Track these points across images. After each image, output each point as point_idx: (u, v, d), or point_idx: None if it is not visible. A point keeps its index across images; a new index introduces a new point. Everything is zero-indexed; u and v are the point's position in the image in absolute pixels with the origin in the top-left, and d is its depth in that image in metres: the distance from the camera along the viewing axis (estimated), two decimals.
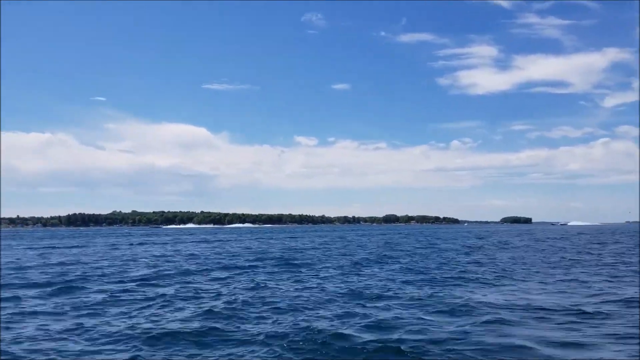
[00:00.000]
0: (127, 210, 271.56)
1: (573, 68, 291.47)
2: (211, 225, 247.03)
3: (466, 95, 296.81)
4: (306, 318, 11.84)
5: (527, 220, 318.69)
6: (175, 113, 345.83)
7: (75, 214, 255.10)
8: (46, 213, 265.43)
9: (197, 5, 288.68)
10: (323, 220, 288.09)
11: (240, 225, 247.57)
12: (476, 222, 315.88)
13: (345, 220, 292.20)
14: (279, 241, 58.94)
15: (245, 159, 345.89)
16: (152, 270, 24.08)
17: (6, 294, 16.08)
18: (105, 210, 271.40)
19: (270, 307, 13.37)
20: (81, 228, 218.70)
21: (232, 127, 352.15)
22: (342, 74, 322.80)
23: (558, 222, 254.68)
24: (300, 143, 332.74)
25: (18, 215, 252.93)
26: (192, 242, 60.58)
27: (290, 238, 70.94)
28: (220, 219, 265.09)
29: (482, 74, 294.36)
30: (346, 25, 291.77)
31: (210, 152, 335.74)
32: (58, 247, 48.46)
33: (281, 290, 16.44)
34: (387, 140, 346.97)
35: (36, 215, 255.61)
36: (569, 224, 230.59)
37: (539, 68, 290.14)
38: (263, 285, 17.72)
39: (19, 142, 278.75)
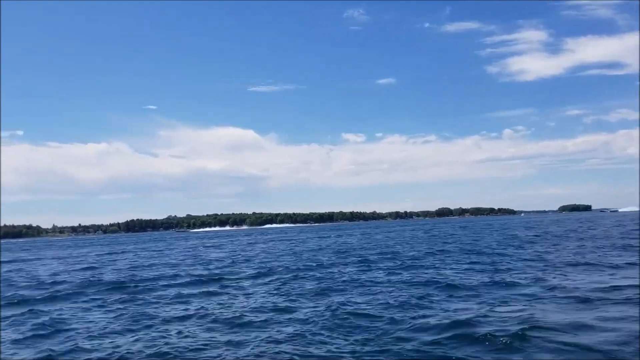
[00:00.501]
0: (181, 214, 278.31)
1: (627, 48, 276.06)
2: (272, 225, 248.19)
3: (516, 82, 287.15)
4: None
5: (587, 208, 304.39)
6: (223, 117, 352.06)
7: (133, 220, 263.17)
8: (105, 220, 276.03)
9: (238, 6, 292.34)
10: (374, 216, 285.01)
11: (291, 225, 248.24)
12: (533, 211, 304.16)
13: (397, 215, 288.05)
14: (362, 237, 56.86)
15: (294, 158, 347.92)
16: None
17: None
18: (160, 215, 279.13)
19: None
20: (139, 233, 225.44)
21: (280, 127, 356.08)
22: (387, 68, 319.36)
23: (608, 209, 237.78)
24: (348, 140, 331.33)
25: (80, 224, 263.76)
26: (292, 239, 60.75)
27: (363, 234, 69.02)
28: (271, 219, 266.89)
29: (532, 60, 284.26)
30: (389, 19, 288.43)
31: (259, 154, 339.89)
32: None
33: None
34: (437, 133, 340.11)
35: (96, 223, 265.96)
36: (620, 210, 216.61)
37: (591, 50, 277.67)
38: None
39: (77, 153, 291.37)
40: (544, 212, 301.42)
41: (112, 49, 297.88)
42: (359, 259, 25.84)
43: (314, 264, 23.90)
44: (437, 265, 20.34)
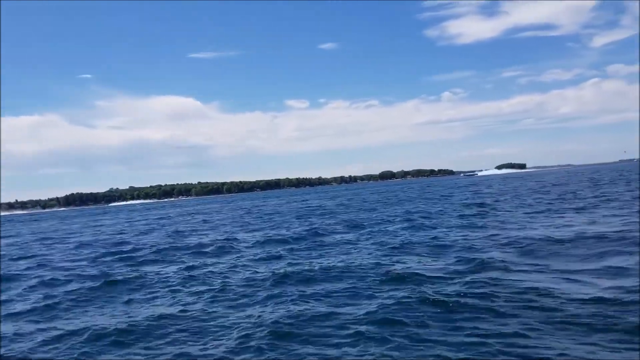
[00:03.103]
0: (124, 186, 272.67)
1: (560, 9, 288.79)
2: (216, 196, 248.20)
3: (455, 46, 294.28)
4: None
5: (522, 166, 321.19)
6: (163, 85, 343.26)
7: (73, 194, 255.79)
8: (43, 195, 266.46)
9: None
10: (320, 182, 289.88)
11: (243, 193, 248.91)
12: (470, 171, 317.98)
13: (342, 180, 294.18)
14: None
15: (239, 126, 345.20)
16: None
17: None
18: (102, 188, 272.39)
19: None
20: (83, 207, 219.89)
21: (222, 95, 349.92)
22: (329, 33, 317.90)
23: (475, 172, 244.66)
24: (292, 107, 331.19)
25: (16, 200, 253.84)
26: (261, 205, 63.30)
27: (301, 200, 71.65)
28: (218, 188, 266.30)
29: (469, 23, 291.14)
30: None
31: (203, 122, 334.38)
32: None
33: None
34: (379, 97, 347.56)
35: (34, 198, 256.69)
36: (478, 173, 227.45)
37: (526, 12, 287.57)
38: None
39: (9, 126, 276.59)
40: (481, 171, 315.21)
41: (43, 15, 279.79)
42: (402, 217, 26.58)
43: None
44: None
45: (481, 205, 30.73)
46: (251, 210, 52.84)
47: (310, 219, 30.92)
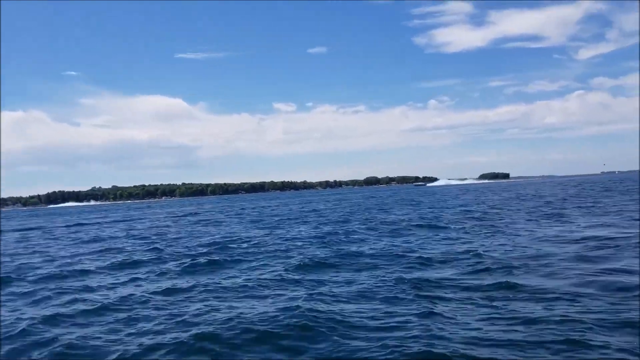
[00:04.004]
0: (107, 185, 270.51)
1: (548, 21, 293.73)
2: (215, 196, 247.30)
3: (442, 54, 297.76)
4: None
5: (505, 176, 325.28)
6: (149, 85, 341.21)
7: (55, 192, 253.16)
8: (24, 193, 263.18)
9: None
10: (305, 185, 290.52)
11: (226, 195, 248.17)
12: (453, 179, 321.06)
13: (327, 184, 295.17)
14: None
15: (225, 128, 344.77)
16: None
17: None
18: (85, 187, 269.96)
19: None
20: (63, 204, 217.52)
21: (210, 96, 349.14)
22: (318, 37, 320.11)
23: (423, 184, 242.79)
24: (279, 110, 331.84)
25: None
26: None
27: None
28: (202, 190, 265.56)
29: (458, 31, 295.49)
30: None
31: (189, 123, 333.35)
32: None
33: None
34: (366, 103, 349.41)
35: (14, 195, 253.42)
36: (428, 184, 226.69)
37: (513, 22, 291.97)
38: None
39: None
40: (464, 179, 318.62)
41: (29, 11, 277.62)
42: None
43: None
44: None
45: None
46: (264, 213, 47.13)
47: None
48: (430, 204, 47.35)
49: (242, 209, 61.78)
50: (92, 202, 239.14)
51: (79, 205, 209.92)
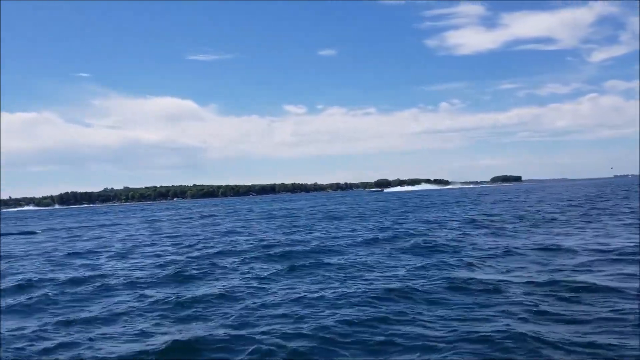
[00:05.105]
0: (118, 186, 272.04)
1: (560, 23, 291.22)
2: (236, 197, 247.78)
3: (454, 56, 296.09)
4: None
5: (517, 179, 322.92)
6: (160, 86, 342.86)
7: (67, 193, 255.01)
8: (36, 193, 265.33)
9: None
10: (315, 187, 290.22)
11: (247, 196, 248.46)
12: (466, 182, 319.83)
13: (337, 187, 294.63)
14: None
15: (234, 130, 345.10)
16: None
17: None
18: (96, 188, 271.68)
19: None
20: (74, 205, 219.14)
21: (219, 98, 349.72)
22: (328, 40, 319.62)
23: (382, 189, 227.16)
24: (289, 112, 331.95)
25: (10, 197, 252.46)
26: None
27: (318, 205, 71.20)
28: (213, 191, 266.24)
29: (470, 34, 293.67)
30: None
31: (198, 125, 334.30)
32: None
33: None
34: (377, 105, 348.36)
35: (28, 196, 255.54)
36: (385, 190, 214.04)
37: (526, 25, 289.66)
38: None
39: (5, 122, 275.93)
40: (477, 182, 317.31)
41: (42, 13, 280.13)
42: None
43: None
44: None
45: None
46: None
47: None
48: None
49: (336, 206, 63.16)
50: (118, 203, 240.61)
51: (102, 206, 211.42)
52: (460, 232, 22.28)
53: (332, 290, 11.28)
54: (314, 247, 19.66)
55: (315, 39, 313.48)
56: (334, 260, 15.83)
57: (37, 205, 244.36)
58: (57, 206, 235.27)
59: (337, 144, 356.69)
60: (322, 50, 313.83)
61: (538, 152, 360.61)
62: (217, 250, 20.23)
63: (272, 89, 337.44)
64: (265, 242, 22.12)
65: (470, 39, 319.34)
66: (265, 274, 13.92)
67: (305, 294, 11.07)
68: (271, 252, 18.34)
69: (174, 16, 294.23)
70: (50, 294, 12.34)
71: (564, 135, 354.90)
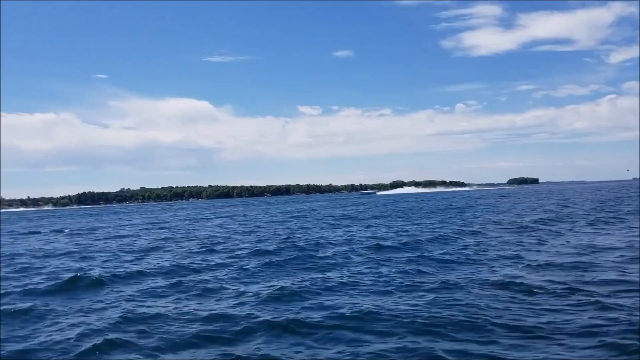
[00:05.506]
0: (134, 187, 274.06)
1: (578, 24, 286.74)
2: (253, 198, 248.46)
3: (470, 57, 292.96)
4: None
5: (534, 181, 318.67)
6: (177, 88, 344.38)
7: (85, 193, 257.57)
8: (54, 193, 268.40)
9: None
10: (330, 189, 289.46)
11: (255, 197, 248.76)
12: (482, 184, 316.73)
13: (352, 188, 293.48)
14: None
15: (250, 131, 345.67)
16: None
17: None
18: (113, 188, 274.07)
19: None
20: (91, 205, 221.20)
21: (235, 99, 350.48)
22: (344, 41, 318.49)
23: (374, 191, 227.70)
24: (304, 113, 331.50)
25: (29, 197, 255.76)
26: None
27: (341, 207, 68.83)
28: (228, 192, 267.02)
29: (486, 35, 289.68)
30: None
31: (214, 126, 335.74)
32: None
33: None
34: (392, 106, 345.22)
35: (46, 196, 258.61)
36: (378, 193, 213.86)
37: (543, 25, 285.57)
38: None
39: (24, 123, 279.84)
40: (493, 184, 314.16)
41: (62, 16, 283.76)
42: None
43: None
44: None
45: None
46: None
47: None
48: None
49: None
50: (135, 203, 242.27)
51: (127, 205, 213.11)
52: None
53: None
54: None
55: (330, 40, 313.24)
56: None
57: (55, 205, 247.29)
58: (74, 206, 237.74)
59: (352, 145, 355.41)
60: (337, 52, 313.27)
61: (555, 154, 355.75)
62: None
63: (287, 90, 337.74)
64: None
65: (487, 40, 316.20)
66: None
67: None
68: None
69: (190, 18, 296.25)
70: None
71: (581, 137, 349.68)
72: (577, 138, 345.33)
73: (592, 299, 9.15)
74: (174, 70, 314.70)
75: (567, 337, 7.29)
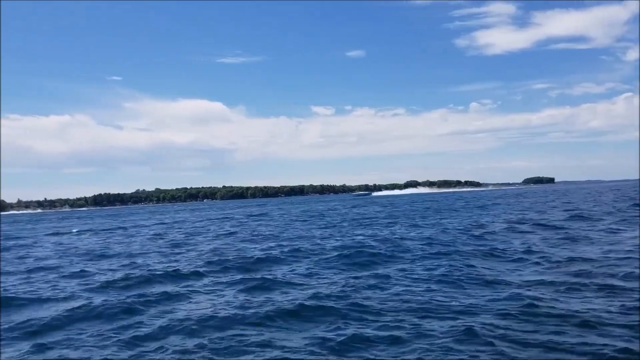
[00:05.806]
0: (149, 188, 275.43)
1: (594, 22, 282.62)
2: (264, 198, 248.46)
3: (484, 56, 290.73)
4: None
5: (550, 180, 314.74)
6: (190, 89, 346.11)
7: (100, 194, 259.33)
8: (70, 194, 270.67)
9: None
10: (344, 189, 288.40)
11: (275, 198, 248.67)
12: (498, 183, 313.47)
13: (366, 188, 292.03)
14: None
15: (263, 131, 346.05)
16: None
17: None
18: (127, 189, 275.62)
19: None
20: (109, 207, 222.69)
21: (248, 100, 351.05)
22: (357, 41, 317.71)
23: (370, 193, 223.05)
24: (317, 113, 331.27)
25: (45, 198, 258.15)
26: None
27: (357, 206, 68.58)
28: (242, 192, 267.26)
29: (500, 33, 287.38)
30: None
31: (227, 126, 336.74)
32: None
33: None
34: (405, 106, 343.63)
35: (62, 197, 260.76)
36: (374, 193, 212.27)
37: (558, 23, 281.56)
38: None
39: (39, 125, 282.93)
40: (508, 184, 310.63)
41: (75, 19, 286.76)
42: None
43: None
44: None
45: None
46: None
47: None
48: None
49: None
50: (150, 204, 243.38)
51: (146, 206, 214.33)
52: None
53: None
54: None
55: (343, 40, 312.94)
56: None
57: (72, 206, 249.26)
58: (90, 207, 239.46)
59: (366, 144, 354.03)
60: (350, 51, 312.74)
61: (571, 153, 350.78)
62: None
63: (300, 90, 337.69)
64: None
65: (501, 39, 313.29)
66: None
67: None
68: None
69: (203, 20, 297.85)
70: None
71: (598, 136, 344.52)
72: (593, 137, 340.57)
73: None
74: (187, 72, 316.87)
75: None
